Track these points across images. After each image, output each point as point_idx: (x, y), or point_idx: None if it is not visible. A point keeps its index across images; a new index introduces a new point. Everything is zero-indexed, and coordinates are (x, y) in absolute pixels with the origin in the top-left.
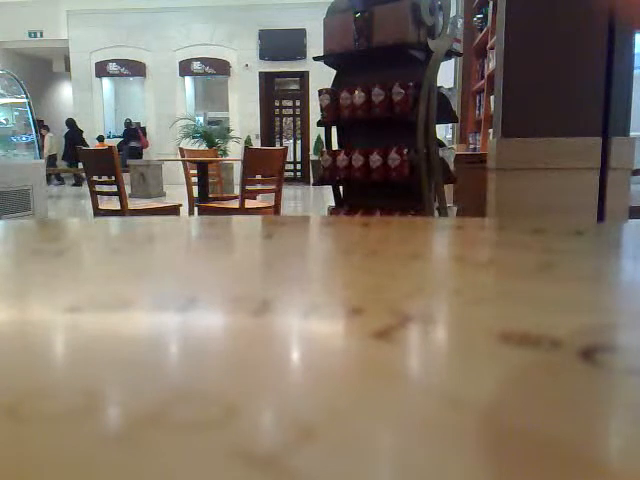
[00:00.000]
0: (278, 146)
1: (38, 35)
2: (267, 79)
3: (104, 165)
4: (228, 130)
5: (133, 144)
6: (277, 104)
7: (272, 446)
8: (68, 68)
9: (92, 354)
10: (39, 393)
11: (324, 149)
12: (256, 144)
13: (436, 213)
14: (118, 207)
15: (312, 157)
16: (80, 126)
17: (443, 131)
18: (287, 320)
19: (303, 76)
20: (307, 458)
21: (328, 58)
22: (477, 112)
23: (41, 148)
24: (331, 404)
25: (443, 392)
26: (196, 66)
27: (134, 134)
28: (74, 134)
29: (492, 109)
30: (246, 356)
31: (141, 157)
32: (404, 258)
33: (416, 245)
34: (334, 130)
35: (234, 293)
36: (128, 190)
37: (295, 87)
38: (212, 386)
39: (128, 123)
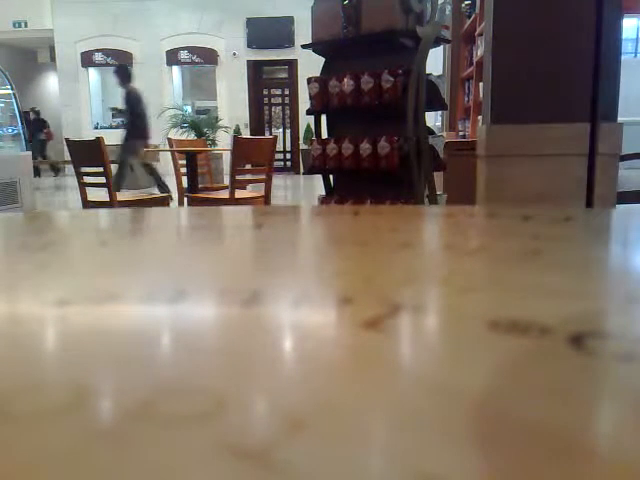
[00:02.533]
0: (267, 135)
1: (23, 25)
2: (255, 68)
3: (92, 156)
4: (216, 119)
5: (40, 136)
6: (266, 93)
7: (261, 438)
8: (53, 58)
9: (80, 347)
10: (27, 389)
11: (314, 138)
12: (245, 133)
13: (426, 201)
14: (107, 199)
15: (302, 146)
16: (67, 117)
17: (432, 118)
18: (277, 311)
19: (292, 64)
20: (297, 449)
21: (316, 46)
22: (466, 99)
23: (29, 140)
24: (320, 395)
25: (433, 381)
26: (183, 55)
27: (41, 125)
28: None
29: (481, 96)
30: (235, 347)
31: (45, 150)
32: (393, 247)
33: (405, 234)
34: (324, 119)
35: (224, 284)
36: None
37: (284, 75)
38: (202, 378)
39: (37, 112)
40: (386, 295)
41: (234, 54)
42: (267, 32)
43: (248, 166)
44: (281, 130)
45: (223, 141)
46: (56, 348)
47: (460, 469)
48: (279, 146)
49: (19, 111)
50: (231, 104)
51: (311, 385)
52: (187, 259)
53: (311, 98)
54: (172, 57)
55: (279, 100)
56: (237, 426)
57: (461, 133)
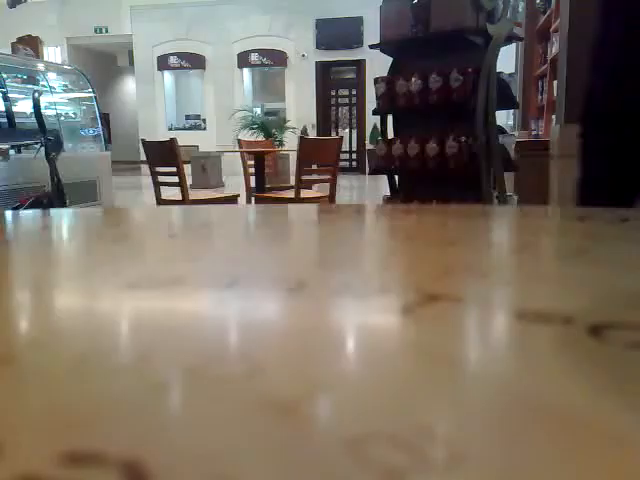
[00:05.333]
0: (334, 135)
1: (103, 31)
2: (323, 68)
3: (166, 156)
4: (284, 121)
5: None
6: (333, 93)
7: (290, 395)
8: (132, 62)
9: (146, 323)
10: (101, 352)
11: (379, 138)
12: (312, 134)
13: (495, 202)
14: (179, 197)
15: (368, 146)
16: (143, 118)
17: (504, 117)
18: (317, 296)
19: (360, 64)
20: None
21: (385, 46)
22: (539, 97)
23: (107, 141)
24: (342, 366)
25: (460, 362)
26: (254, 57)
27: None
28: None
29: (555, 94)
30: (278, 326)
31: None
32: (442, 244)
33: (454, 232)
34: (390, 119)
35: (274, 273)
36: (189, 181)
37: (351, 76)
38: (249, 350)
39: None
40: (428, 286)
41: (303, 55)
42: (336, 33)
43: (314, 166)
44: (347, 130)
45: (291, 142)
46: (127, 323)
47: (476, 444)
48: (345, 146)
49: (99, 113)
50: (299, 105)
51: (335, 355)
52: (246, 251)
53: (378, 98)
54: (243, 59)
55: (346, 100)
56: (272, 385)
57: (534, 132)
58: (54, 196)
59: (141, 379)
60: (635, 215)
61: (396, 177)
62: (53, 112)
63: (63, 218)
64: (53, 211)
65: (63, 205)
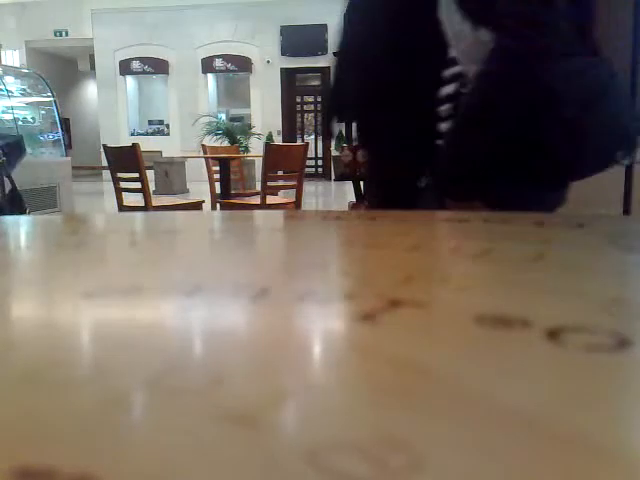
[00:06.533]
0: (299, 142)
1: (64, 34)
2: (288, 75)
3: (128, 162)
4: (249, 127)
5: None
6: (298, 100)
7: (249, 407)
8: (93, 67)
9: (103, 333)
10: (55, 364)
11: (344, 145)
12: (278, 140)
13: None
14: (142, 203)
15: (333, 152)
16: (104, 123)
17: None
18: (282, 304)
19: (324, 72)
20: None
21: None
22: None
23: (67, 146)
24: (310, 375)
25: (419, 366)
26: (218, 63)
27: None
28: None
29: None
30: (238, 334)
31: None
32: (401, 250)
33: (413, 238)
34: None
35: (237, 280)
36: (152, 187)
37: (316, 82)
38: (207, 359)
39: None
40: (385, 292)
41: (268, 62)
42: (301, 40)
43: (280, 172)
44: (313, 136)
45: (256, 148)
46: (83, 333)
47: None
48: (311, 152)
49: (59, 118)
50: (264, 111)
51: (299, 364)
52: (208, 257)
53: None
54: (207, 65)
55: (311, 107)
56: (231, 396)
57: None
58: (9, 203)
59: (97, 391)
60: (589, 220)
61: (361, 183)
62: (10, 116)
63: (17, 226)
64: (6, 218)
65: (22, 212)
